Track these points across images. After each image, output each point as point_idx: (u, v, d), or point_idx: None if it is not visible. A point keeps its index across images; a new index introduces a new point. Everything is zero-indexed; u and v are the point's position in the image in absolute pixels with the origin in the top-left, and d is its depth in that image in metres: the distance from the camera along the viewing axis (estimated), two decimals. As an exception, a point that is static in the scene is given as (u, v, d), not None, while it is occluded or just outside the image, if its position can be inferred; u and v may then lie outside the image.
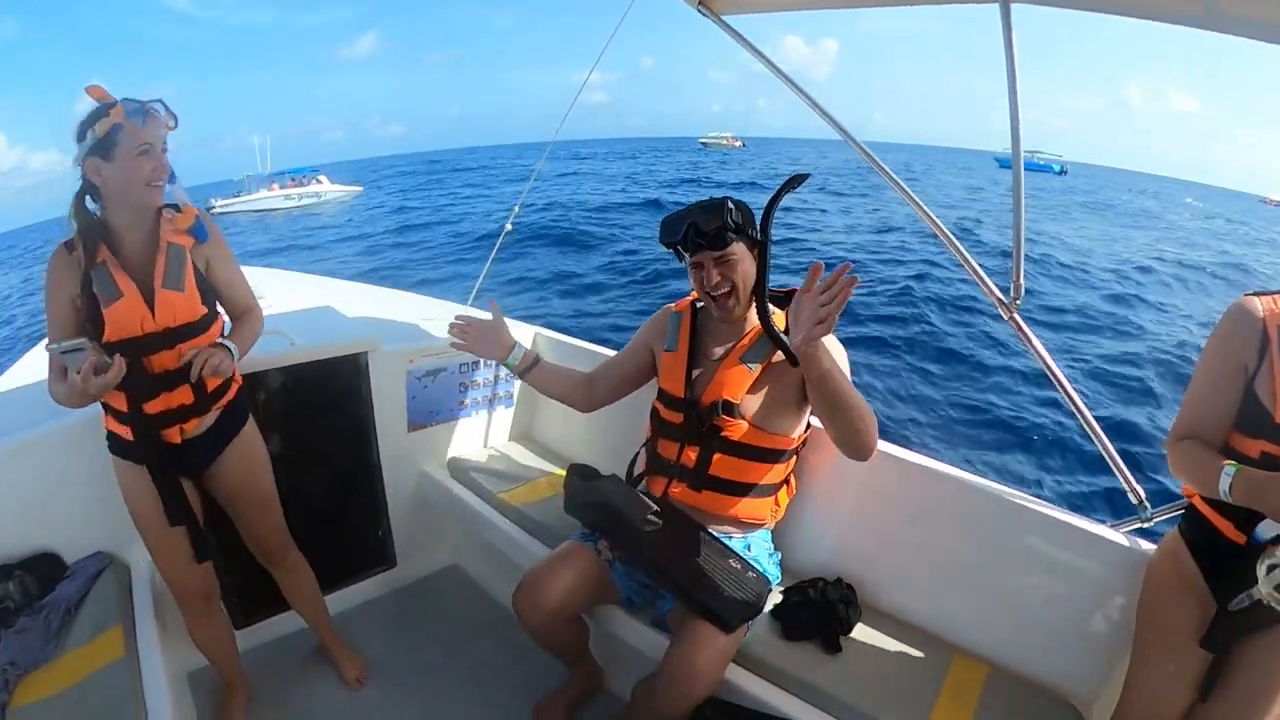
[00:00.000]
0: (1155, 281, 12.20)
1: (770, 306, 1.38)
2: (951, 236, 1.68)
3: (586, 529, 1.58)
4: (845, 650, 1.43)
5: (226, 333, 1.49)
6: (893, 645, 1.48)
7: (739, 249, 1.40)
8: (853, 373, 1.40)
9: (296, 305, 2.42)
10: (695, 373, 1.51)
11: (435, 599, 2.24)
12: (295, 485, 1.73)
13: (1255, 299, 1.08)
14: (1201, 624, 1.10)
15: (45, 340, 1.35)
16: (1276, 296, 1.07)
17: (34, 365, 2.01)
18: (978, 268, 1.64)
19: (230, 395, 1.50)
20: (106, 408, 1.39)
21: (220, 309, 1.49)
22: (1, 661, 1.31)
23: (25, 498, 1.55)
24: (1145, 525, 1.43)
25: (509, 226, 2.81)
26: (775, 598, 1.53)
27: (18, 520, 1.55)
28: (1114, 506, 3.93)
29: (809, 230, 15.16)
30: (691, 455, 1.48)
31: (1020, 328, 1.55)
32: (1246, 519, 1.05)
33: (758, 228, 1.36)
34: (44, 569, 1.55)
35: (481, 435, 2.36)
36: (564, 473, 1.60)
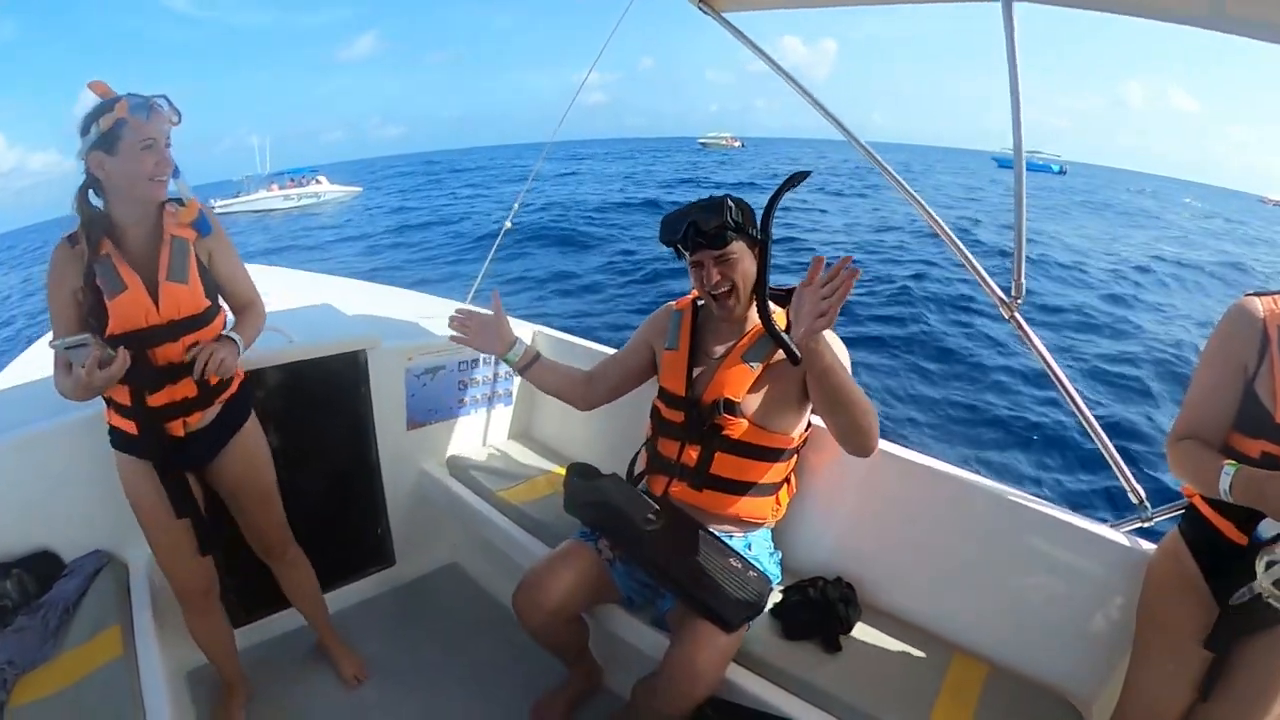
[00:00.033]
0: (1154, 281, 12.19)
1: (771, 305, 1.37)
2: (953, 236, 1.67)
3: (586, 528, 1.57)
4: (845, 649, 1.43)
5: (229, 326, 1.49)
6: (893, 644, 1.48)
7: (739, 247, 1.40)
8: (852, 371, 1.40)
9: (295, 303, 2.41)
10: (696, 371, 1.51)
11: (434, 598, 2.24)
12: (294, 483, 1.72)
13: (1255, 299, 1.08)
14: (1202, 624, 1.10)
15: (48, 336, 1.34)
16: (1276, 296, 1.07)
17: (34, 362, 2.00)
18: (979, 267, 1.64)
19: (233, 389, 1.50)
20: (109, 402, 1.39)
21: (223, 302, 1.48)
22: (-1, 660, 1.30)
23: (23, 496, 1.54)
24: (1145, 525, 1.43)
25: (509, 224, 2.81)
26: (775, 597, 1.52)
27: (16, 518, 1.55)
28: (1114, 506, 3.93)
29: (808, 230, 15.17)
30: (692, 454, 1.48)
31: (1021, 327, 1.55)
32: (1247, 519, 1.05)
33: (758, 226, 1.35)
34: (42, 567, 1.55)
35: (481, 433, 2.35)
36: (563, 471, 1.60)
